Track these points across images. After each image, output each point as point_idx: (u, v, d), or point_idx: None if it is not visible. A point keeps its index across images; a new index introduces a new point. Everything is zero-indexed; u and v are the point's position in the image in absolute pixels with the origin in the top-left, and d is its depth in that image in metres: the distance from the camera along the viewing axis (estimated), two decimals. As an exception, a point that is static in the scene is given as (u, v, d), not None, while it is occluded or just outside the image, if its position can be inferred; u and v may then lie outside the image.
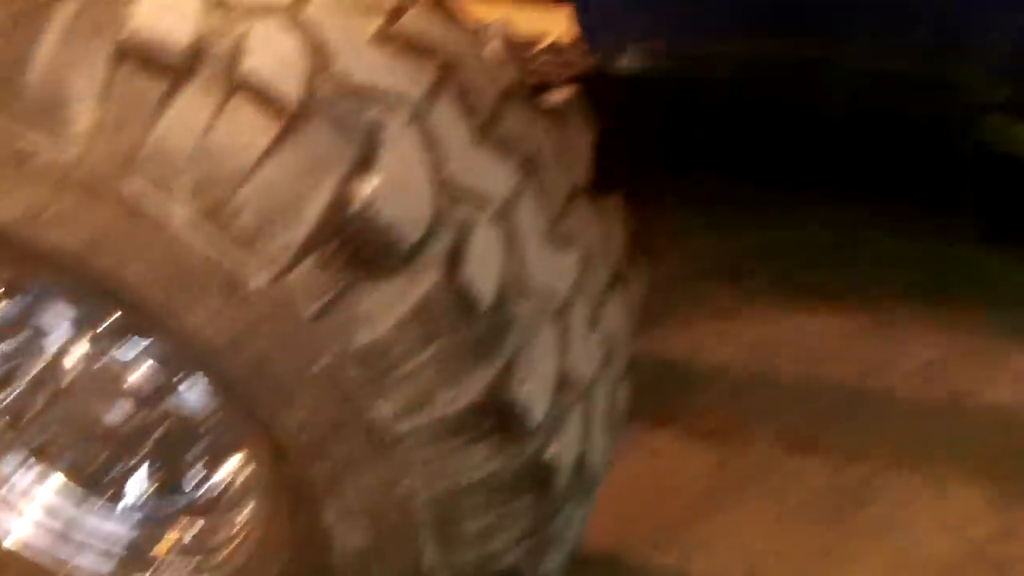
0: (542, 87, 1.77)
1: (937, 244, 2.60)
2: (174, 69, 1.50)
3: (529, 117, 1.72)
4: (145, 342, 1.88)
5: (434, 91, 1.60)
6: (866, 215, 2.63)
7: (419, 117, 1.57)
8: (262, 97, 1.50)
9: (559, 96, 1.79)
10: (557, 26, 1.93)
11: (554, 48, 1.93)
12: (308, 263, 1.53)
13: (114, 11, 1.51)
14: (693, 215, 2.63)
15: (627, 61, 1.69)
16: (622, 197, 1.81)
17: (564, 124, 1.78)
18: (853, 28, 1.57)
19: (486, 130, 1.65)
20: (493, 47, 1.71)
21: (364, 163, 1.53)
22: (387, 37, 1.60)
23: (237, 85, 1.50)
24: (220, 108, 1.50)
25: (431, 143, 1.58)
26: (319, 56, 1.54)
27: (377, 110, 1.54)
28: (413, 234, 1.55)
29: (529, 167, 1.69)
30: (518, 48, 1.79)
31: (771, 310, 2.61)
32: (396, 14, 1.63)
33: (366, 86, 1.55)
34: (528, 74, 1.75)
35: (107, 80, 1.50)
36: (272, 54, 1.52)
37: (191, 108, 1.50)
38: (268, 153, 1.50)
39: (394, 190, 1.54)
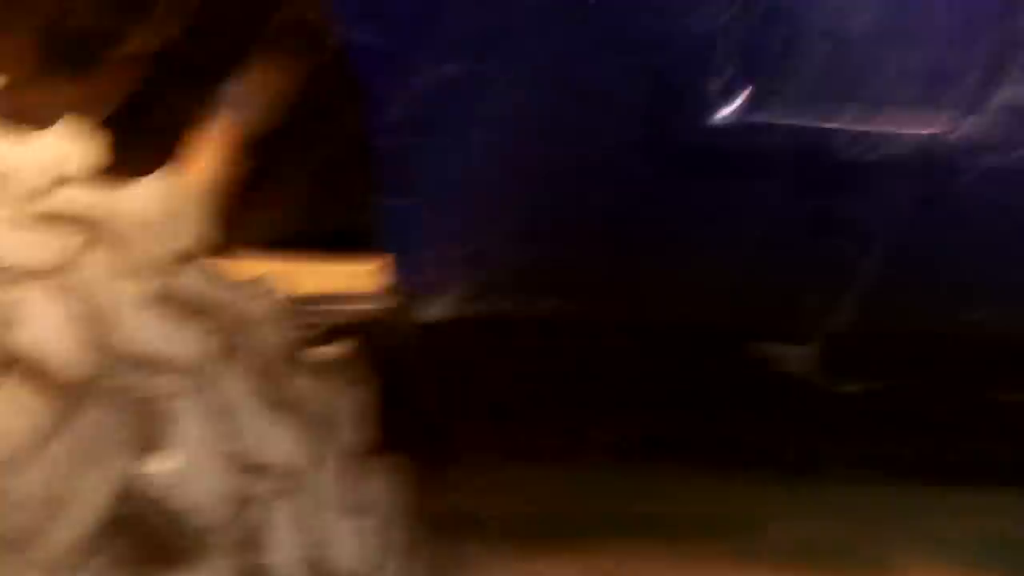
0: (321, 342, 1.65)
1: (671, 474, 2.58)
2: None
3: (314, 376, 1.59)
4: None
5: (220, 356, 1.45)
6: (599, 451, 2.58)
7: (208, 386, 1.42)
8: (37, 374, 1.31)
9: (339, 352, 1.67)
10: (334, 279, 1.82)
11: (335, 300, 1.82)
12: (94, 562, 1.33)
13: None
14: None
15: (439, 309, 1.60)
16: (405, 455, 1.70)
17: (346, 381, 1.66)
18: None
19: (275, 395, 1.51)
20: (271, 303, 1.58)
21: (154, 443, 1.36)
22: (166, 299, 1.45)
23: (8, 361, 1.31)
24: (-11, 390, 1.30)
25: (223, 415, 1.42)
26: (97, 325, 1.37)
27: (164, 382, 1.39)
28: (211, 519, 1.38)
29: (322, 432, 1.55)
30: (296, 303, 1.67)
31: (503, 559, 2.51)
32: (172, 273, 1.49)
33: (150, 355, 1.39)
34: (307, 329, 1.64)
35: None
36: (46, 324, 1.33)
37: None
38: (46, 438, 1.31)
39: (188, 471, 1.36)
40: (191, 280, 1.50)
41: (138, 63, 2.00)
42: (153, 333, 1.40)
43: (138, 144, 1.79)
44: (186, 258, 1.52)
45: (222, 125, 1.95)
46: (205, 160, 1.93)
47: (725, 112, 1.43)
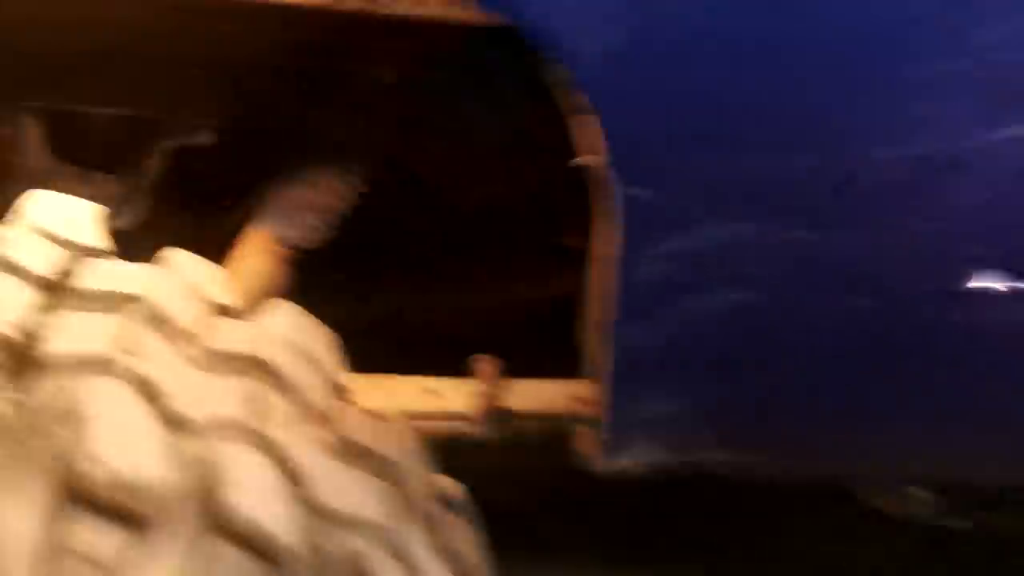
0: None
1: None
2: (139, 515, 1.17)
3: (457, 526, 1.51)
4: None
5: (401, 511, 1.36)
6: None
7: (395, 543, 1.33)
8: (250, 538, 1.20)
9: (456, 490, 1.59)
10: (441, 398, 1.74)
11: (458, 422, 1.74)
12: None
13: (59, 446, 1.16)
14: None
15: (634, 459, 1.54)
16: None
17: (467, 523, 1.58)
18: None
19: (441, 545, 1.42)
20: (414, 442, 1.49)
21: (362, 607, 1.26)
22: (346, 448, 1.36)
23: (222, 525, 1.19)
24: (205, 559, 1.18)
25: (415, 572, 1.33)
26: (297, 482, 1.26)
27: (359, 540, 1.29)
28: None
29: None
30: (423, 436, 1.58)
31: None
32: (339, 416, 1.39)
33: (343, 513, 1.29)
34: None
35: (49, 533, 1.14)
36: (254, 484, 1.23)
37: (165, 565, 1.17)
38: (264, 606, 1.20)
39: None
40: (357, 425, 1.40)
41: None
42: (345, 489, 1.31)
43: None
44: (339, 393, 1.44)
45: (264, 239, 1.85)
46: (248, 275, 1.82)
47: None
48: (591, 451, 1.59)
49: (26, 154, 1.88)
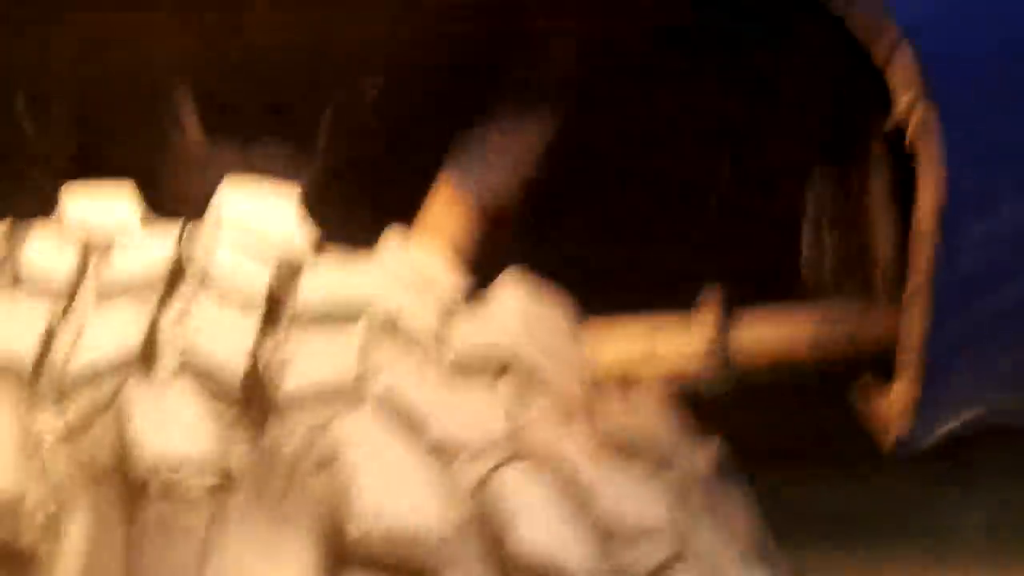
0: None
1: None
2: (420, 567, 1.02)
3: (731, 494, 1.35)
4: None
5: (683, 502, 1.20)
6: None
7: (687, 542, 1.17)
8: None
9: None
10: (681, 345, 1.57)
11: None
12: None
13: (321, 501, 1.02)
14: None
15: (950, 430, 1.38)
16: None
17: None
18: None
19: (724, 529, 1.27)
20: (669, 412, 1.33)
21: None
22: (612, 444, 1.19)
23: (510, 566, 1.04)
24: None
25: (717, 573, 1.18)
26: (580, 503, 1.11)
27: (655, 553, 1.13)
28: None
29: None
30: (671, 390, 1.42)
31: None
32: (598, 410, 1.23)
33: (632, 526, 1.13)
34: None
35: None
36: (539, 516, 1.07)
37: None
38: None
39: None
40: (618, 409, 1.24)
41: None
42: (628, 495, 1.15)
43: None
44: (589, 374, 1.28)
45: (459, 193, 1.68)
46: (440, 234, 1.65)
47: None
48: (898, 414, 1.41)
49: (182, 134, 1.74)
